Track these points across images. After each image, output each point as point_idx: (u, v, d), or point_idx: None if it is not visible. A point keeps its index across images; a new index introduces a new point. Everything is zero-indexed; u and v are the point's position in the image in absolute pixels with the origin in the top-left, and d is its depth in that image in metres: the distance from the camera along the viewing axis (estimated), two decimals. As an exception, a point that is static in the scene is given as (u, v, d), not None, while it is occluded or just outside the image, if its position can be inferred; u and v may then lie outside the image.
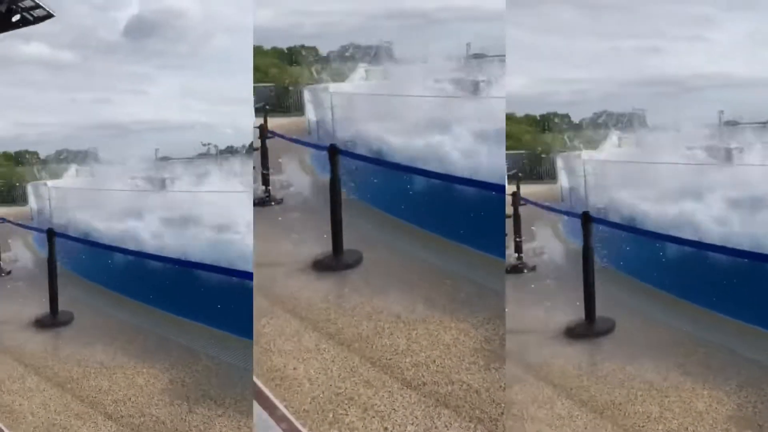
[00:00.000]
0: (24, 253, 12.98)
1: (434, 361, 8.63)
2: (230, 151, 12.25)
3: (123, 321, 11.41)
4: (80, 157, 12.95)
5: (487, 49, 11.61)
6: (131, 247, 11.76)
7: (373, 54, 12.85)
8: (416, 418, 8.11)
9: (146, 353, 10.75)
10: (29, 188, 13.29)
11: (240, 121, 11.74)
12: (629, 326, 9.91)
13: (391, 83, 12.29)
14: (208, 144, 12.31)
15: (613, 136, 11.24)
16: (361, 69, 12.97)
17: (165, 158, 12.52)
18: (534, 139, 11.42)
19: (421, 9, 11.97)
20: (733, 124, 10.72)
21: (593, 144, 11.39)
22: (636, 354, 9.47)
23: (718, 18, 10.57)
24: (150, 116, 12.40)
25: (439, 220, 10.60)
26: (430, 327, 9.10)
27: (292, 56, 13.21)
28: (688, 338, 9.63)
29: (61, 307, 11.82)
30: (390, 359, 8.76)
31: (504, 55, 9.86)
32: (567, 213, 10.62)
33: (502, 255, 9.85)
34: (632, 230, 9.84)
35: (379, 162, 10.99)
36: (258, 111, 12.05)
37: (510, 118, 10.62)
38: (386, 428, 8.09)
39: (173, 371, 10.41)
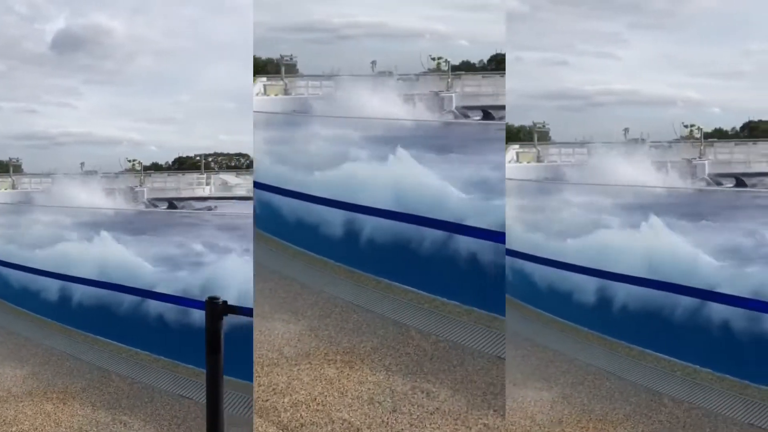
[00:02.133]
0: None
1: (314, 399, 7.95)
2: (155, 167, 11.92)
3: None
4: (2, 167, 12.37)
5: (393, 67, 11.06)
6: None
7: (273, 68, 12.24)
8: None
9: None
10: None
11: (165, 138, 11.71)
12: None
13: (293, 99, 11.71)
14: (134, 160, 11.96)
15: (511, 150, 10.57)
16: (259, 83, 12.34)
17: (90, 172, 12.06)
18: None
19: (328, 24, 11.42)
20: (638, 141, 10.14)
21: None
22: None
23: (627, 36, 10.02)
24: (77, 129, 12.01)
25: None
26: (314, 362, 8.42)
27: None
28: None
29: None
30: (267, 400, 8.08)
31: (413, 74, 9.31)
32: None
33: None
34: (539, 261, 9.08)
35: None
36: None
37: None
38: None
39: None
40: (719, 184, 10.43)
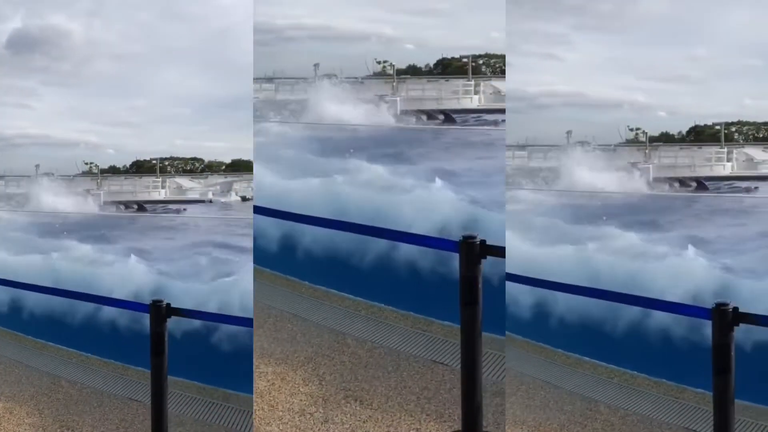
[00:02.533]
0: None
1: (245, 410, 7.76)
2: (113, 170, 11.74)
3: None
4: (-44, 167, 12.20)
5: (338, 70, 10.86)
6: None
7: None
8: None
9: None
10: None
11: (122, 142, 11.61)
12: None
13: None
14: (90, 163, 11.78)
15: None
16: (203, 87, 12.21)
17: (46, 174, 11.91)
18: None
19: (272, 25, 11.30)
20: (583, 143, 9.94)
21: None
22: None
23: (572, 37, 9.79)
24: (35, 131, 11.84)
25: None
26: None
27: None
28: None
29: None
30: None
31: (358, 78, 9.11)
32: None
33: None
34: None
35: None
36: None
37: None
38: None
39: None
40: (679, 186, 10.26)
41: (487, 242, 6.21)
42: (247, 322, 8.36)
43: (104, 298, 9.58)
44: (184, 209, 11.86)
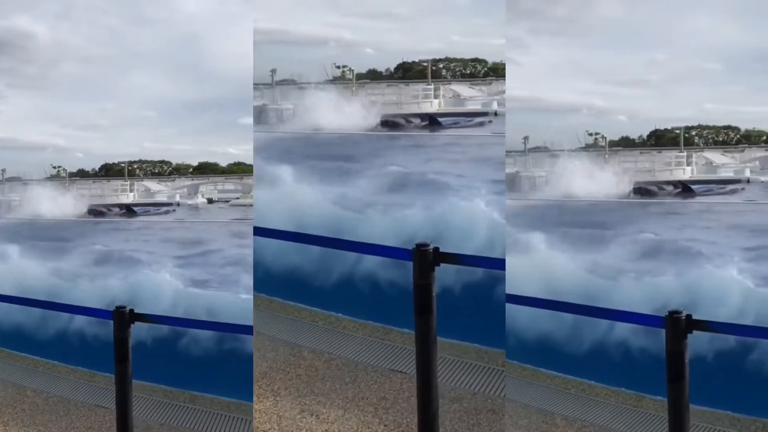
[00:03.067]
0: None
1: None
2: (81, 174, 11.57)
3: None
4: None
5: (294, 75, 10.72)
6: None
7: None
8: None
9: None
10: None
11: (91, 145, 11.51)
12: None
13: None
14: (59, 167, 11.61)
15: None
16: (161, 93, 12.08)
17: (13, 179, 11.72)
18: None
19: None
20: (540, 150, 9.81)
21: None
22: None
23: (528, 41, 9.64)
24: (0, 134, 11.59)
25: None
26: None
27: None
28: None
29: None
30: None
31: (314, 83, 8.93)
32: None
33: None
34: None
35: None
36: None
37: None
38: None
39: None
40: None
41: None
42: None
43: (68, 306, 9.41)
44: (174, 210, 11.73)
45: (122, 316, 7.81)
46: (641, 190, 9.96)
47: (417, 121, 10.73)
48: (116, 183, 11.88)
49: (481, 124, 10.78)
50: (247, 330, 8.04)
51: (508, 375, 7.82)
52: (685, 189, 9.94)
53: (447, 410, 7.20)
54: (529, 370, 8.58)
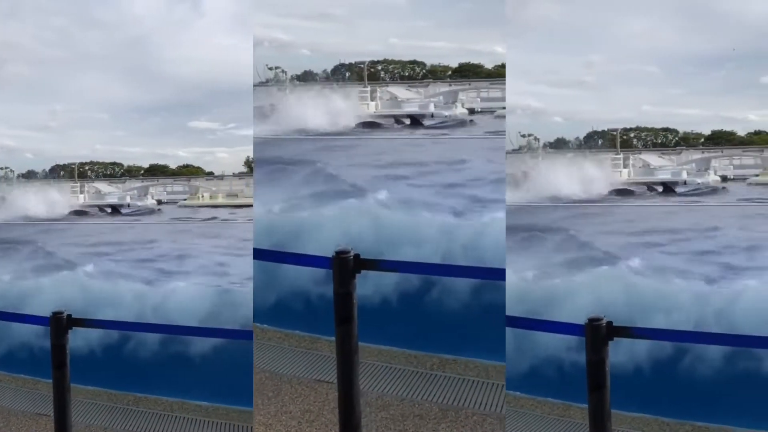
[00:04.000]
0: None
1: None
2: (30, 175, 11.31)
3: None
4: None
5: None
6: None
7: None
8: None
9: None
10: None
11: (41, 146, 11.29)
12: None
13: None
14: (5, 168, 11.35)
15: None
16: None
17: (-42, 180, 11.47)
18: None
19: None
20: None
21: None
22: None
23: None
24: None
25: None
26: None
27: None
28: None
29: None
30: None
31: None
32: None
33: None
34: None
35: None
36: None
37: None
38: None
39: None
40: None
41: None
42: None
43: (3, 314, 9.12)
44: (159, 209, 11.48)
45: (59, 322, 7.50)
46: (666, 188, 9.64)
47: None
48: (66, 184, 11.61)
49: (463, 124, 10.44)
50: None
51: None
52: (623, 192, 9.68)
53: (373, 419, 6.91)
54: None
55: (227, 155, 11.36)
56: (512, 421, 7.84)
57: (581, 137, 9.68)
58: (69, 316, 7.49)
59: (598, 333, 5.61)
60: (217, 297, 9.86)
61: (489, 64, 9.70)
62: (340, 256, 5.91)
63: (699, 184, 9.55)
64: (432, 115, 10.04)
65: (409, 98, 9.83)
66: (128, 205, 11.55)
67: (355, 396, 6.01)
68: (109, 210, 11.50)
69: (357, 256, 5.87)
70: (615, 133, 9.46)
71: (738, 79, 9.04)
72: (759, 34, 8.91)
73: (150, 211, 11.49)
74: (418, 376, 7.55)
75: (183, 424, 8.85)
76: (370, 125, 10.31)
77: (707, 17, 8.90)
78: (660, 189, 9.83)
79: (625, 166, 9.63)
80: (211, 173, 11.47)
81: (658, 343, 7.82)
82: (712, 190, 9.65)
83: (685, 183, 9.65)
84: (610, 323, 5.62)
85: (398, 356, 7.81)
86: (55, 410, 7.45)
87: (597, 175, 9.45)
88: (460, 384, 7.52)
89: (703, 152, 9.50)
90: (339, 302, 5.92)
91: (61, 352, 7.48)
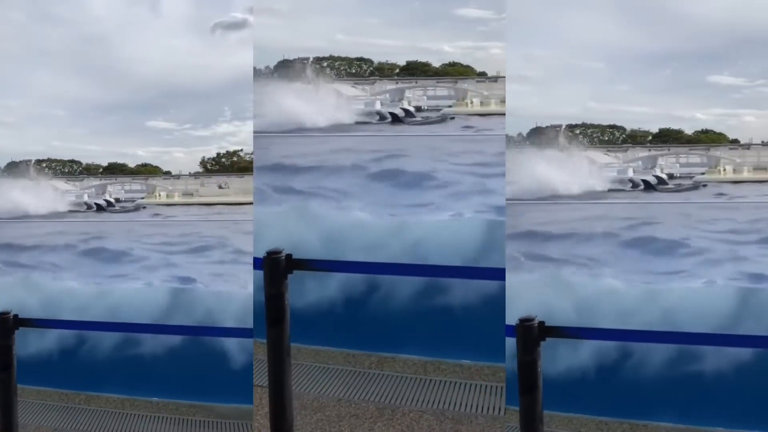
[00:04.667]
0: None
1: None
2: None
3: None
4: None
5: None
6: None
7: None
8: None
9: None
10: None
11: None
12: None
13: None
14: None
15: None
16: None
17: None
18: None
19: None
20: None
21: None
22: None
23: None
24: None
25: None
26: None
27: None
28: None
29: None
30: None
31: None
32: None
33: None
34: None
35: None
36: None
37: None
38: None
39: None
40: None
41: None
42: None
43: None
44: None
45: (5, 323, 7.29)
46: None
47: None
48: (22, 181, 11.37)
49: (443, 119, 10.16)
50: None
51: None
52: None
53: (309, 421, 6.72)
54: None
55: (183, 155, 11.19)
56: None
57: (524, 133, 9.45)
58: (15, 316, 7.30)
59: (529, 333, 5.40)
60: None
61: (436, 63, 9.50)
62: (271, 256, 5.70)
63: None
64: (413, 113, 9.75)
65: (355, 95, 9.61)
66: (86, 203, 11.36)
67: (287, 398, 5.81)
68: (94, 207, 11.30)
69: (289, 256, 5.66)
70: (559, 129, 9.24)
71: (685, 78, 8.88)
72: (706, 33, 8.75)
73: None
74: (355, 376, 7.38)
75: (134, 420, 8.68)
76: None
77: (654, 14, 8.74)
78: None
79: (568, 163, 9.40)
80: (168, 172, 11.28)
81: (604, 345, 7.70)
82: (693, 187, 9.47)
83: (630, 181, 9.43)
84: (542, 323, 5.42)
85: (336, 356, 7.62)
86: (2, 411, 7.25)
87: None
88: (398, 382, 7.35)
89: (650, 150, 9.31)
90: (270, 304, 5.70)
91: (8, 352, 7.27)
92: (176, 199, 11.03)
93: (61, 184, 11.31)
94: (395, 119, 9.91)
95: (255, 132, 9.79)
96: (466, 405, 7.22)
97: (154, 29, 10.74)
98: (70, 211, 11.23)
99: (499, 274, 5.49)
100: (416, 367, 7.63)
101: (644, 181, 9.38)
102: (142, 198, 11.20)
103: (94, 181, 11.28)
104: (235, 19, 10.46)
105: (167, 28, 10.89)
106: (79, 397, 9.10)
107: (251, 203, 10.45)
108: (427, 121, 9.69)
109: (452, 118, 9.62)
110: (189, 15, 10.86)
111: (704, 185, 9.31)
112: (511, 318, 5.46)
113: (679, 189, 9.37)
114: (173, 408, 8.72)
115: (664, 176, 9.32)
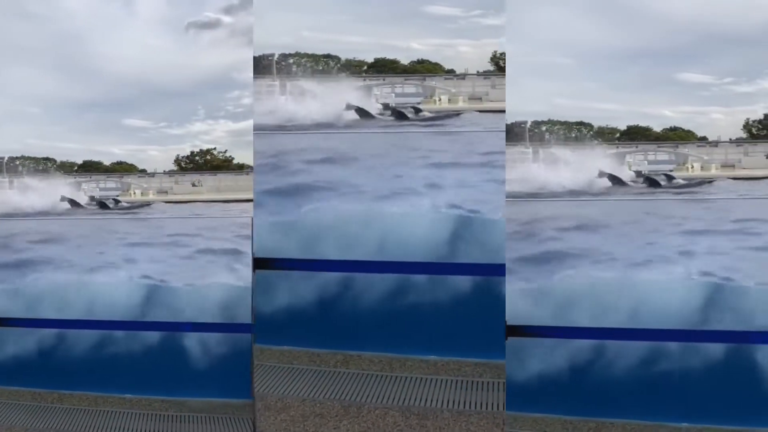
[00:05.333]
0: None
1: None
2: None
3: None
4: None
5: None
6: None
7: None
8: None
9: None
10: None
11: None
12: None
13: None
14: None
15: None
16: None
17: None
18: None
19: None
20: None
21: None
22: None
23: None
24: None
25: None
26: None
27: None
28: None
29: None
30: None
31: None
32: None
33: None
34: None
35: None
36: None
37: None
38: None
39: None
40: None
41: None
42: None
43: None
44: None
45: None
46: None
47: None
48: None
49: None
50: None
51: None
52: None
53: (272, 422, 6.61)
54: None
55: (158, 153, 11.04)
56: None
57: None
58: (-9, 316, 7.20)
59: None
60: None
61: (405, 60, 9.35)
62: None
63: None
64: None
65: (320, 93, 9.44)
66: (61, 200, 11.20)
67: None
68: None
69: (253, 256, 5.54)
70: (524, 126, 9.09)
71: (654, 75, 8.74)
72: (675, 31, 8.62)
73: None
74: (321, 375, 7.27)
75: (106, 417, 8.55)
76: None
77: (624, 12, 8.61)
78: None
79: (534, 161, 9.23)
80: (144, 170, 11.13)
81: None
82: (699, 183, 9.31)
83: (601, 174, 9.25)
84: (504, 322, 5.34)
85: (301, 356, 7.51)
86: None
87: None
88: (363, 379, 7.24)
89: (618, 147, 9.17)
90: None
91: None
92: (177, 196, 10.95)
93: (34, 182, 11.16)
94: (364, 115, 9.82)
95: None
96: (432, 400, 7.11)
97: (128, 27, 10.62)
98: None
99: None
100: (382, 364, 7.53)
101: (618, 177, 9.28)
102: (117, 195, 11.07)
103: (68, 179, 11.15)
104: (208, 18, 10.36)
105: (141, 26, 10.78)
106: (52, 396, 9.00)
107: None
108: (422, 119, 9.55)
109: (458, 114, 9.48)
110: (163, 13, 10.74)
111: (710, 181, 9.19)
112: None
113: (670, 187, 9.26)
114: (146, 404, 8.64)
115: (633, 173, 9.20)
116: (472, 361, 7.47)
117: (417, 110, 9.24)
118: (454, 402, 7.14)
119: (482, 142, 8.79)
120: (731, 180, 8.99)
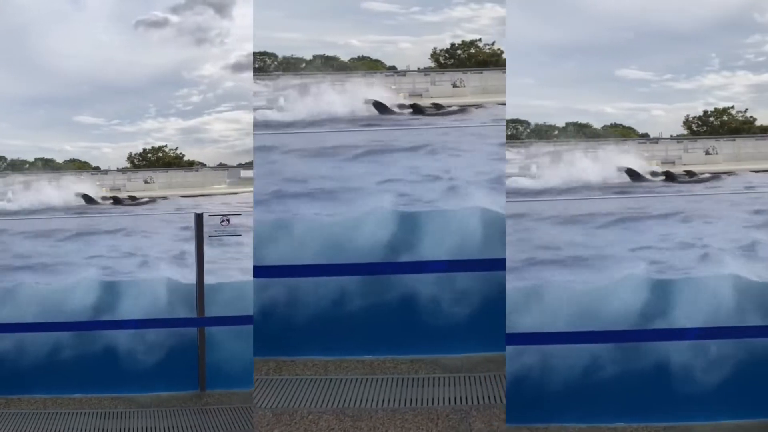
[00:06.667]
0: None
1: None
2: None
3: None
4: None
5: None
6: None
7: None
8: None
9: None
10: None
11: None
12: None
13: None
14: None
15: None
16: None
17: None
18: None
19: None
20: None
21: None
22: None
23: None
24: None
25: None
26: None
27: None
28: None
29: None
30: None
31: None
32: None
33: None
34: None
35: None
36: None
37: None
38: None
39: None
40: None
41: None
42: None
43: None
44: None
45: None
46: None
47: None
48: (-58, 179, 10.98)
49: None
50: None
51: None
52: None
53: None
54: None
55: (111, 150, 10.84)
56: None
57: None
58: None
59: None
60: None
61: (345, 57, 9.14)
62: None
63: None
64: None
65: (257, 91, 9.22)
66: (9, 200, 10.97)
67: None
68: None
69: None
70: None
71: (592, 71, 8.54)
72: (612, 26, 8.43)
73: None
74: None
75: (57, 419, 8.36)
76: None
77: (558, 6, 8.40)
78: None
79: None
80: (97, 168, 10.93)
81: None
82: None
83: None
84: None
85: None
86: None
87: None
88: (297, 385, 7.08)
89: (554, 145, 8.95)
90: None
91: None
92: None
93: (-15, 181, 10.94)
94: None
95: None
96: (367, 400, 6.96)
97: (77, 22, 10.37)
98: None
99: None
100: (317, 367, 7.36)
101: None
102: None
103: (20, 177, 10.93)
104: (156, 17, 10.17)
105: (90, 22, 10.54)
106: (-1, 401, 8.82)
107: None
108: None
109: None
110: (111, 10, 10.51)
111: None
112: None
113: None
114: (95, 402, 8.49)
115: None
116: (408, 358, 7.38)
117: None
118: (388, 400, 6.98)
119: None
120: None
